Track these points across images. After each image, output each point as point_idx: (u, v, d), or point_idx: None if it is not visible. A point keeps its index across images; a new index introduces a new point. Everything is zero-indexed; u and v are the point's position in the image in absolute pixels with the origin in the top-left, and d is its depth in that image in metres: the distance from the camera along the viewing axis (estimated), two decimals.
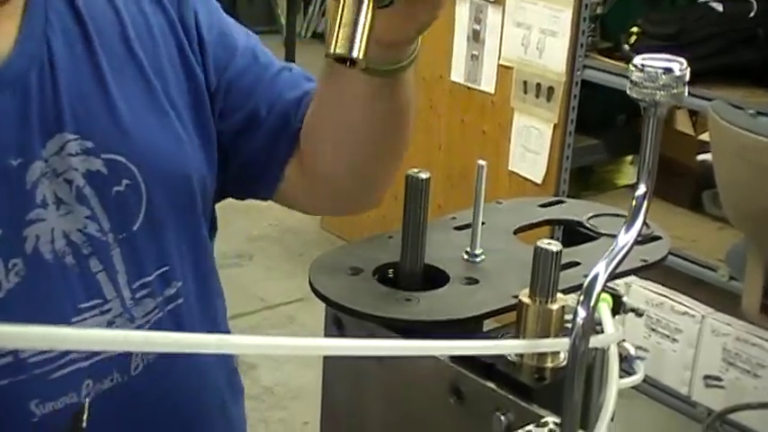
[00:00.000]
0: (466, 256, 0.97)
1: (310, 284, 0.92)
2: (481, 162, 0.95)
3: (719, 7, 3.14)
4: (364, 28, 0.82)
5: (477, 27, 3.61)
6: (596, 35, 3.36)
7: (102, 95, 1.05)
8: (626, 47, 3.18)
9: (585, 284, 0.61)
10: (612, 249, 0.62)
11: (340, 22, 0.82)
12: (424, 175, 0.90)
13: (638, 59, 0.60)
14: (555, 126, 3.43)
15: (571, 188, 3.43)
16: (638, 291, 3.27)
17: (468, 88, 3.70)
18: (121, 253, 1.05)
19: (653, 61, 0.60)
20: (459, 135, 3.75)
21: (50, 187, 1.01)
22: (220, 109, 1.16)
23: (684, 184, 3.28)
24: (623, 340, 0.81)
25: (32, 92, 1.00)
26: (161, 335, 0.46)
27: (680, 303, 3.21)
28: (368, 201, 1.24)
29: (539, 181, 3.49)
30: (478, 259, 0.97)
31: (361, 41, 0.82)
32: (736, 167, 2.29)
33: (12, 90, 0.99)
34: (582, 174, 3.59)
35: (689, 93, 2.25)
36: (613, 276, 0.92)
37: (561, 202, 1.12)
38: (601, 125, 3.55)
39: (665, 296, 3.24)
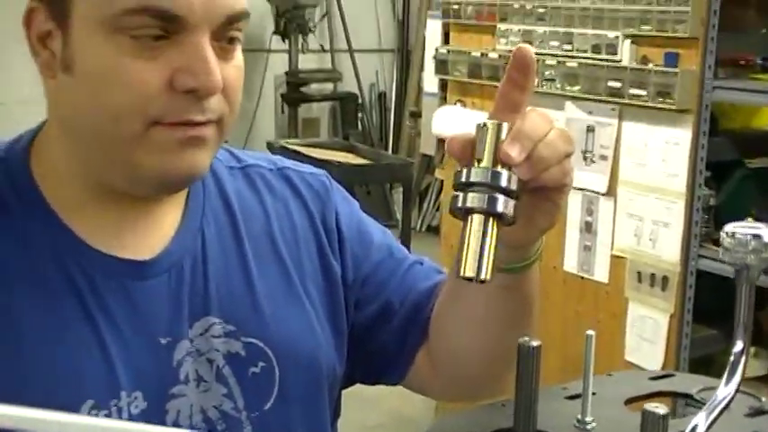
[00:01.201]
0: (577, 424, 1.01)
1: None
2: (590, 332, 1.00)
3: None
4: (490, 250, 0.90)
5: (590, 219, 3.68)
6: (710, 225, 3.39)
7: (246, 284, 1.15)
8: None
9: None
10: (712, 402, 0.66)
11: (468, 246, 0.90)
12: (534, 343, 0.95)
13: (729, 227, 0.66)
14: (671, 316, 3.42)
15: None
16: None
17: (582, 278, 3.74)
18: (252, 430, 1.12)
19: (743, 228, 0.66)
20: (573, 324, 3.76)
21: (194, 365, 1.10)
22: (356, 300, 1.25)
23: None
24: None
25: (185, 278, 1.11)
26: None
27: None
28: (493, 388, 1.28)
29: None
30: (589, 426, 1.00)
31: (488, 264, 0.90)
32: None
33: (168, 275, 1.10)
34: (701, 364, 3.53)
35: None
36: None
37: (672, 375, 1.15)
38: (719, 315, 3.51)
39: None
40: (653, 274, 3.48)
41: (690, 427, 0.65)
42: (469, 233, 0.91)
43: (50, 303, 1.04)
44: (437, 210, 7.45)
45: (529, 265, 1.11)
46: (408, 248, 4.75)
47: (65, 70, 1.02)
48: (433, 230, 7.44)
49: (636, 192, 3.50)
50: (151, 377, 1.07)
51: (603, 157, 3.63)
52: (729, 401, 0.65)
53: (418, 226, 7.61)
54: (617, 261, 3.60)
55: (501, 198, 0.92)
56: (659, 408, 0.82)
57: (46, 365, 1.02)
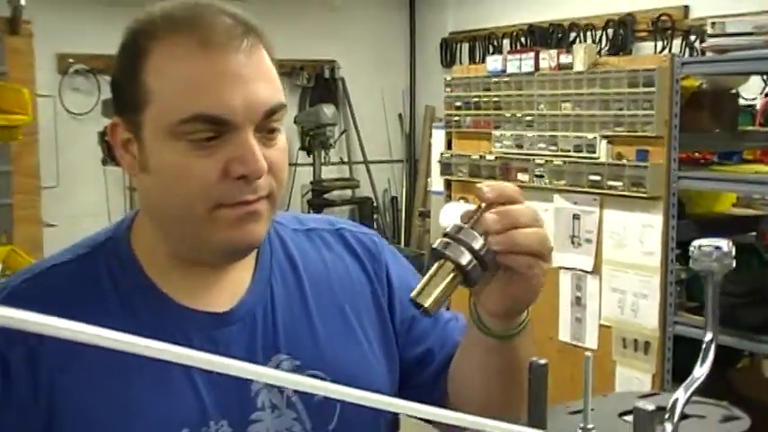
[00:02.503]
0: (579, 431, 1.05)
1: None
2: (588, 353, 1.05)
3: None
4: (443, 291, 0.97)
5: (579, 294, 3.73)
6: (683, 296, 3.43)
7: (308, 325, 1.22)
8: None
9: (669, 405, 0.71)
10: (690, 380, 0.72)
11: (429, 281, 0.97)
12: (542, 361, 1.01)
13: (696, 242, 0.73)
14: (654, 376, 3.45)
15: None
16: None
17: (575, 346, 3.77)
18: None
19: (707, 242, 0.72)
20: (569, 389, 3.76)
21: (268, 396, 1.15)
22: (402, 343, 1.29)
23: None
24: None
25: (258, 324, 1.17)
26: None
27: None
28: None
29: None
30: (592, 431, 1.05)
31: (435, 300, 0.97)
32: None
33: (243, 323, 1.16)
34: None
35: (762, 340, 2.34)
36: None
37: (657, 394, 1.20)
38: None
39: None
40: (636, 340, 3.51)
41: (672, 400, 0.71)
42: (436, 272, 0.97)
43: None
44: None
45: (514, 334, 1.13)
46: None
47: (142, 170, 1.10)
48: None
49: (618, 269, 3.55)
50: (234, 407, 1.13)
51: (588, 241, 3.69)
52: (703, 380, 0.71)
53: None
54: (604, 330, 3.63)
55: (469, 256, 0.97)
56: (648, 404, 0.87)
57: (151, 403, 1.09)
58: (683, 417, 1.13)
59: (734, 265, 0.73)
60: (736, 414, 1.12)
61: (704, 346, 0.73)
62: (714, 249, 0.72)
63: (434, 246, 0.99)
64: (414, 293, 0.97)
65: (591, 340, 3.70)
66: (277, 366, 1.17)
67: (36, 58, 5.84)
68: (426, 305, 0.96)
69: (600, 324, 3.64)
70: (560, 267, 3.74)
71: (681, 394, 0.71)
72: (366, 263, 1.30)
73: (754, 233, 3.76)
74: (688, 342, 3.33)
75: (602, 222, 3.63)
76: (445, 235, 0.99)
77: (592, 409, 1.07)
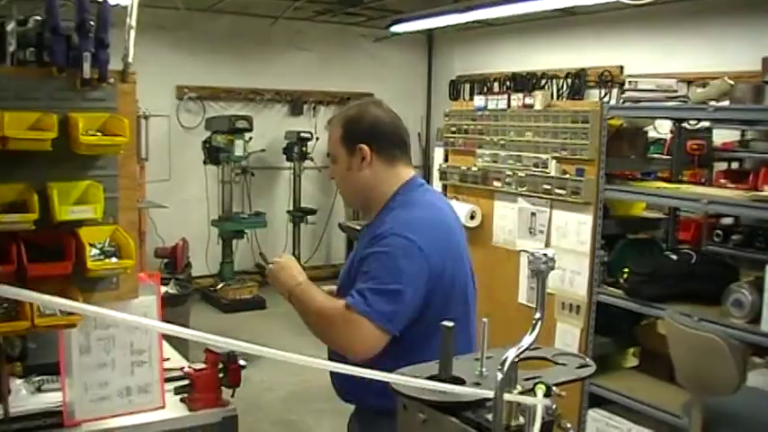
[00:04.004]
0: (477, 373, 1.11)
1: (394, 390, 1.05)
2: (484, 319, 1.10)
3: (674, 257, 3.19)
4: None
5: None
6: (605, 274, 3.43)
7: (357, 256, 1.78)
8: (621, 281, 3.24)
9: (503, 359, 0.76)
10: (521, 344, 0.77)
11: None
12: (450, 324, 1.06)
13: (530, 251, 0.78)
14: (582, 330, 3.46)
15: None
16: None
17: (529, 307, 3.78)
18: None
19: (537, 250, 0.77)
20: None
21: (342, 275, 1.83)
22: None
23: (664, 366, 3.20)
24: (555, 409, 0.91)
25: (360, 240, 1.83)
26: None
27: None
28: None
29: None
30: (484, 374, 1.10)
31: None
32: (683, 352, 2.29)
33: (361, 237, 1.81)
34: (601, 360, 3.52)
35: (656, 307, 2.36)
36: (558, 384, 1.03)
37: (540, 348, 1.24)
38: (612, 329, 3.55)
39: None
40: (571, 304, 3.53)
41: (504, 357, 0.76)
42: None
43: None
44: None
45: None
46: None
47: None
48: None
49: (561, 253, 3.55)
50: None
51: (541, 231, 3.71)
52: (531, 345, 0.76)
53: None
54: (549, 297, 3.63)
55: None
56: (510, 353, 0.91)
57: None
58: (555, 363, 1.18)
59: (555, 266, 0.78)
60: (588, 363, 1.18)
61: (534, 321, 0.77)
62: (543, 255, 0.76)
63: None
64: None
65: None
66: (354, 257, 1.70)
67: (159, 89, 5.94)
68: None
69: (547, 292, 3.64)
70: (521, 250, 3.76)
71: (512, 353, 0.76)
72: (372, 242, 1.67)
73: (662, 230, 3.75)
74: (607, 306, 3.35)
75: (552, 219, 3.64)
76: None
77: (489, 357, 1.12)
